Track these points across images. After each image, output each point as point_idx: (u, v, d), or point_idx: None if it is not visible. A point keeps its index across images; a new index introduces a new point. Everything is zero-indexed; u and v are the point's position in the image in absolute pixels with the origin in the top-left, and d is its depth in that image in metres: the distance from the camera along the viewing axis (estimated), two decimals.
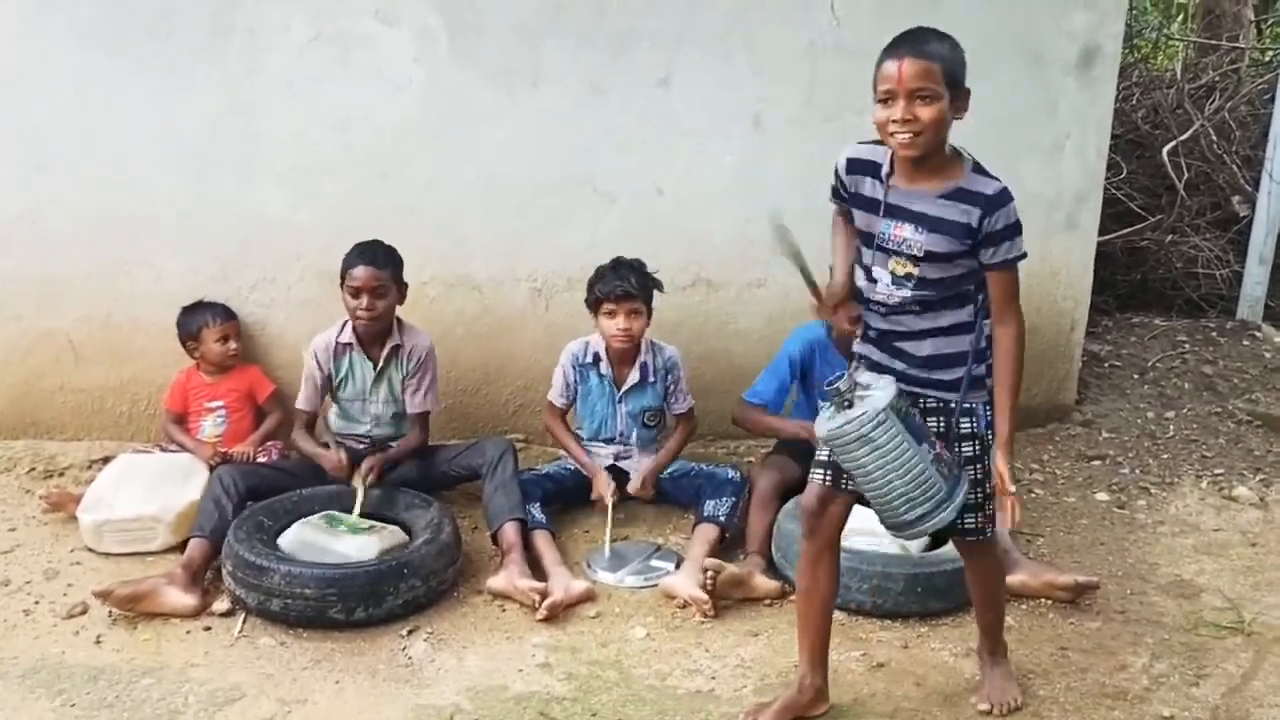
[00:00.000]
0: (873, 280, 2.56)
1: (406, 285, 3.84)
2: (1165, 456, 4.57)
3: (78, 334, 4.30)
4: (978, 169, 2.46)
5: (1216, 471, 4.44)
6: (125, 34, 4.05)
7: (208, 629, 3.17)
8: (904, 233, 2.47)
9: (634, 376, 3.97)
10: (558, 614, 3.26)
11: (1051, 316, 4.70)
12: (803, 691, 2.77)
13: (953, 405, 2.56)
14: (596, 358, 3.99)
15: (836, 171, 2.62)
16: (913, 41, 2.37)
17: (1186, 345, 5.51)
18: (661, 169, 4.36)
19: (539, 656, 3.08)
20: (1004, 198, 2.42)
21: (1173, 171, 5.93)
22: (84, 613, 3.21)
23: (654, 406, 4.02)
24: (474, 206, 4.32)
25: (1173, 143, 6.01)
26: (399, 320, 3.87)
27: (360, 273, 3.70)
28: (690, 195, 4.40)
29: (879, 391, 2.42)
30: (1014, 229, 2.43)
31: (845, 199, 2.62)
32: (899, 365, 2.59)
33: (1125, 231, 5.82)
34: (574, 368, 4.01)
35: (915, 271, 2.48)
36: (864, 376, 2.51)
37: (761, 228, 4.39)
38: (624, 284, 3.81)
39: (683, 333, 4.38)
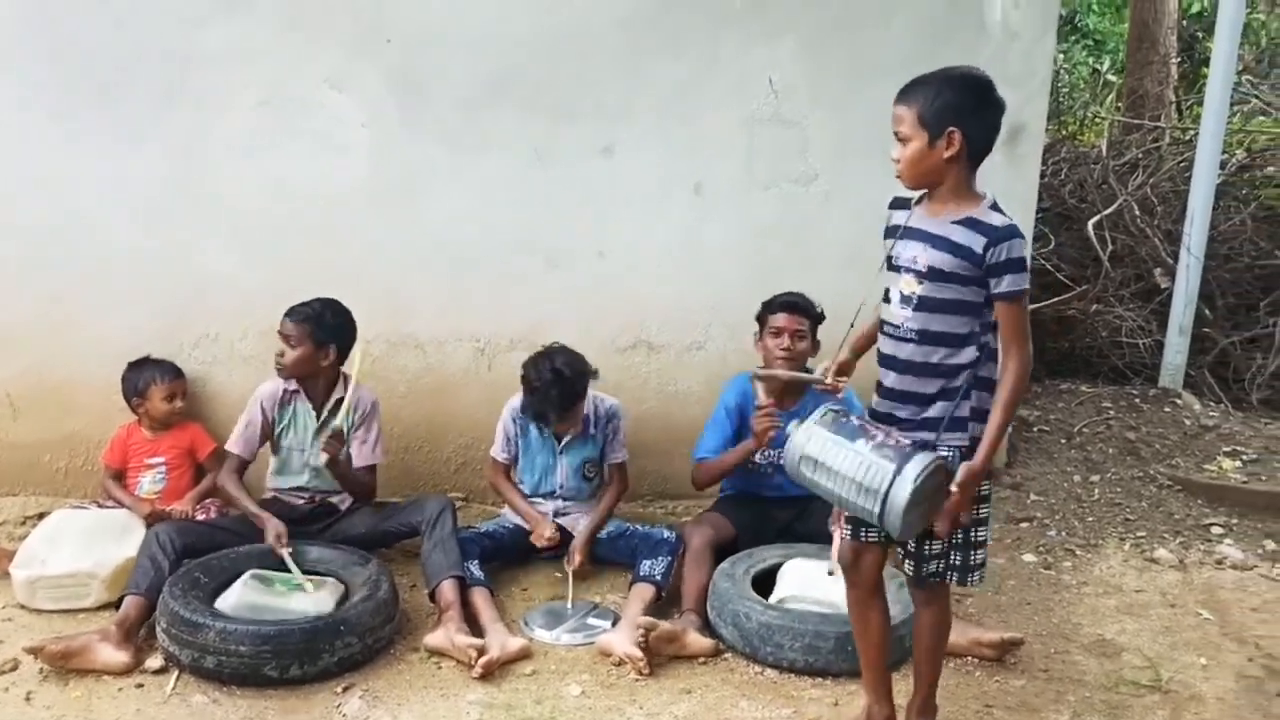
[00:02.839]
0: (887, 300, 2.74)
1: (334, 344, 3.89)
2: (1090, 519, 4.71)
3: (16, 388, 4.29)
4: (995, 207, 2.63)
5: (1139, 534, 4.58)
6: (75, 95, 4.11)
7: (140, 686, 3.16)
8: (913, 251, 2.66)
9: (575, 428, 4.03)
10: (494, 671, 3.29)
11: None
12: None
13: (930, 443, 2.64)
14: None
15: (887, 213, 2.85)
16: (904, 89, 2.63)
17: (1111, 411, 5.68)
18: (604, 234, 4.46)
19: (474, 714, 3.10)
20: (1011, 232, 2.58)
21: (1098, 244, 6.16)
22: (14, 669, 3.19)
23: (594, 457, 4.08)
24: (420, 267, 4.40)
25: (1098, 216, 6.24)
26: (344, 374, 3.92)
27: (280, 323, 3.84)
28: (632, 259, 4.50)
29: (810, 416, 2.64)
30: (1018, 264, 2.58)
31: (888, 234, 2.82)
32: (900, 410, 2.71)
33: (1053, 301, 6.01)
34: (514, 421, 4.07)
35: (918, 290, 2.64)
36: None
37: (701, 292, 4.53)
38: (555, 412, 3.86)
39: (623, 393, 4.44)
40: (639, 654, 3.31)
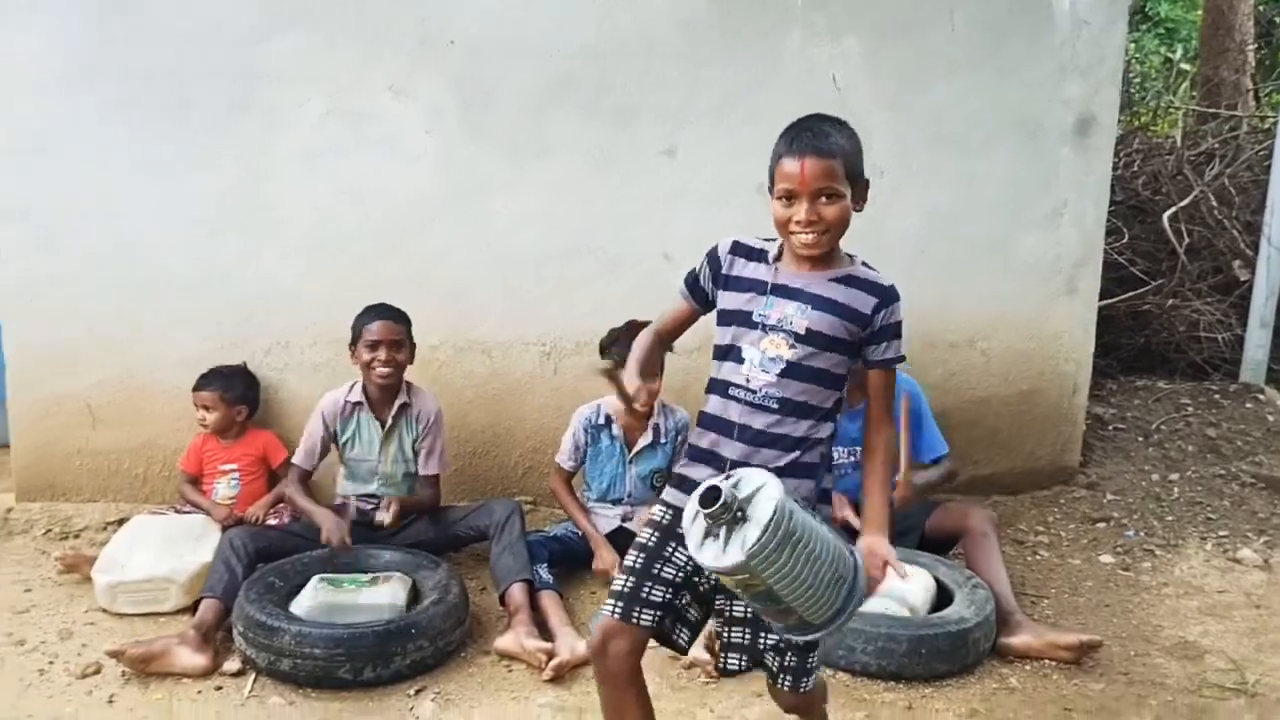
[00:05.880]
0: (739, 360, 2.35)
1: (414, 346, 3.95)
2: (1170, 519, 4.59)
3: (95, 398, 4.38)
4: (865, 264, 2.38)
5: (1221, 534, 4.46)
6: (146, 110, 4.21)
7: (219, 689, 3.21)
8: (786, 310, 2.32)
9: (646, 438, 4.03)
10: (564, 674, 3.29)
11: (1054, 380, 4.75)
12: None
13: None
14: (608, 419, 4.05)
15: (713, 252, 2.48)
16: (813, 137, 2.28)
17: (1190, 408, 5.54)
18: (668, 236, 4.44)
19: (545, 716, 3.10)
20: (896, 294, 2.34)
21: (1173, 237, 6.01)
22: (97, 672, 3.26)
23: (662, 468, 4.07)
24: (484, 273, 4.42)
25: (1173, 209, 6.09)
26: (407, 382, 3.96)
27: (378, 326, 3.84)
28: (696, 261, 4.47)
29: (764, 485, 2.06)
30: (900, 329, 2.34)
31: (711, 281, 2.48)
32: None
33: (1127, 296, 5.89)
34: (585, 430, 4.07)
35: (788, 355, 2.30)
36: (736, 475, 2.12)
37: None
38: (626, 341, 3.87)
39: (689, 395, 4.41)
40: (709, 657, 3.29)
